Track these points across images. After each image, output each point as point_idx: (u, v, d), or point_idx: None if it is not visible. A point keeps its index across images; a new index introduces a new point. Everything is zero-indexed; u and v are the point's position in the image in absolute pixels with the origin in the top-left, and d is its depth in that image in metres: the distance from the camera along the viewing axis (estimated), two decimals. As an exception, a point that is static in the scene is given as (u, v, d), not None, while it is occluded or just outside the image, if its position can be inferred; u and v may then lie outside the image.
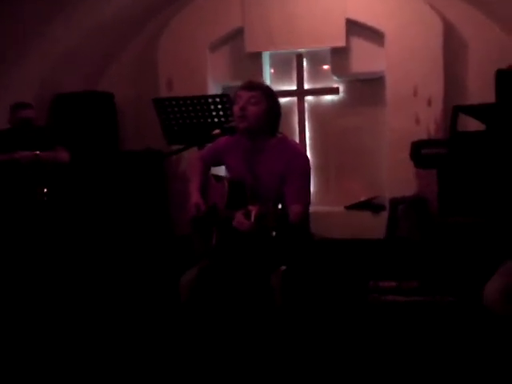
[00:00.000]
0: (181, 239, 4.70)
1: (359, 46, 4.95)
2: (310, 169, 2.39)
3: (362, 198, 5.07)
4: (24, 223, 3.80)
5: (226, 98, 3.27)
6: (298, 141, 5.23)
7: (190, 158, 2.59)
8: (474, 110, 3.38)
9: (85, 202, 4.66)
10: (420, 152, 3.40)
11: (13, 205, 3.82)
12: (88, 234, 4.44)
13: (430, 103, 4.74)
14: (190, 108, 3.33)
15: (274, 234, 2.00)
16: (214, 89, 5.29)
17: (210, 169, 2.63)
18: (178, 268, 2.64)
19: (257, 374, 2.35)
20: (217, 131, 2.34)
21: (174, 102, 3.33)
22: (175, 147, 4.89)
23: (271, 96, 2.38)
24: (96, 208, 4.78)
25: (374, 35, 4.87)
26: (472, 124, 3.83)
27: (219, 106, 3.31)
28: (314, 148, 5.35)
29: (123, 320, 3.10)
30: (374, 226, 4.76)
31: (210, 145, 2.59)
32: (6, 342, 2.84)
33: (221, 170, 2.74)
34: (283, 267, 2.32)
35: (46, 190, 3.89)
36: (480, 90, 4.53)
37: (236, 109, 2.33)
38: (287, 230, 2.03)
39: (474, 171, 3.22)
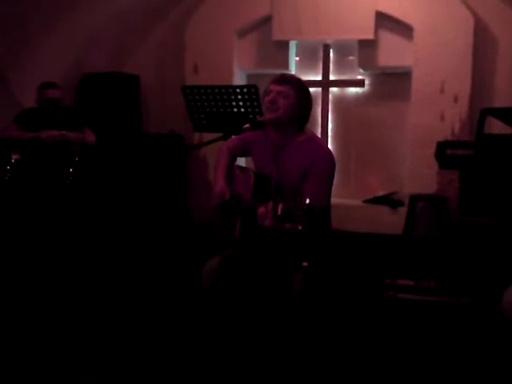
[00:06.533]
0: (198, 225, 4.76)
1: (387, 39, 4.90)
2: (333, 171, 2.35)
3: (381, 193, 5.07)
4: (48, 204, 3.85)
5: (253, 89, 3.28)
6: (320, 131, 5.23)
7: (219, 147, 2.59)
8: (502, 113, 3.34)
9: (106, 183, 4.72)
10: (445, 152, 3.37)
11: (37, 184, 3.86)
12: (108, 217, 4.49)
13: (456, 100, 4.69)
14: (218, 97, 3.34)
15: (300, 228, 2.00)
16: (239, 76, 5.30)
17: (235, 159, 2.65)
18: (196, 251, 2.65)
19: (272, 367, 2.39)
20: (247, 125, 2.36)
21: (202, 90, 3.34)
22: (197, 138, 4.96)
23: (302, 90, 2.38)
24: (116, 190, 4.84)
25: (402, 29, 4.81)
26: (497, 125, 3.80)
27: (246, 97, 3.31)
28: (335, 140, 5.34)
29: (140, 305, 3.15)
30: (392, 221, 4.76)
31: (238, 136, 2.60)
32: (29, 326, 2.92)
33: (242, 162, 2.73)
34: (305, 263, 2.34)
35: (71, 171, 3.93)
36: (508, 89, 4.49)
37: (266, 101, 2.35)
38: (313, 225, 2.03)
39: (499, 174, 3.20)
